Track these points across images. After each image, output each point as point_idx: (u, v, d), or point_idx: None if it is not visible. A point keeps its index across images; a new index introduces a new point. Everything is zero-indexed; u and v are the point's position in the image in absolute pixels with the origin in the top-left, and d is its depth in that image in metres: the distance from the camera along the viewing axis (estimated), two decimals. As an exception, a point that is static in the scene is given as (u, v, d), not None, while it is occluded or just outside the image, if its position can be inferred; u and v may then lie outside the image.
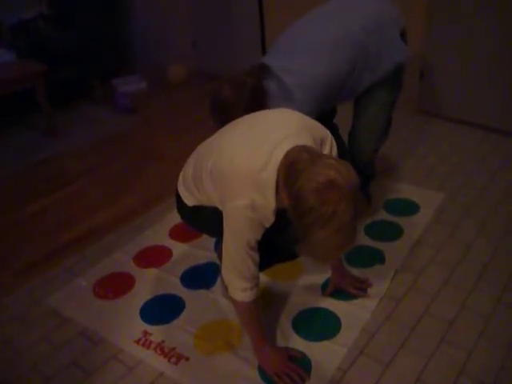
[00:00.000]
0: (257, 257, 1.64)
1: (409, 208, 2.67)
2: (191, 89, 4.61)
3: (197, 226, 2.09)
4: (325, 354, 1.85)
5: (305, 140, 1.58)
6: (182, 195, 1.93)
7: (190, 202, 1.90)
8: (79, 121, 4.18)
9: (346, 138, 2.52)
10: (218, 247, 2.19)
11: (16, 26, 4.29)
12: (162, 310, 2.13)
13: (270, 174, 1.53)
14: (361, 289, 2.11)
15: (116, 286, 2.29)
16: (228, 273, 1.66)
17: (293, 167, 1.46)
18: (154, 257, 2.45)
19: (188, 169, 1.90)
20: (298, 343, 1.90)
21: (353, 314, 2.01)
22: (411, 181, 2.91)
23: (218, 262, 2.28)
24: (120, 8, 5.09)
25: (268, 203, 1.56)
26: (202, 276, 2.28)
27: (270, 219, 1.60)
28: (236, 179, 1.57)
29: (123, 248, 2.54)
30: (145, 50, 5.31)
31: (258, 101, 2.02)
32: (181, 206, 1.97)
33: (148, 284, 2.28)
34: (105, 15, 4.78)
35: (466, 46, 3.35)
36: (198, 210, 1.88)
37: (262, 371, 1.79)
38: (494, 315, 1.96)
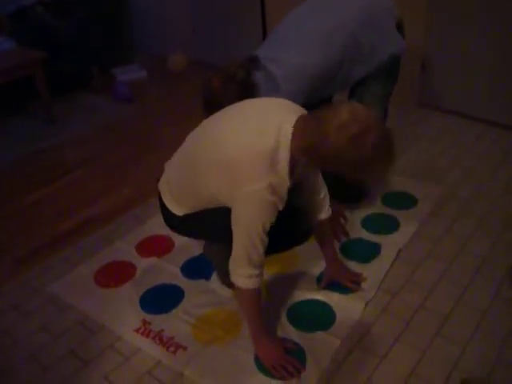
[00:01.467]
0: (266, 242, 1.65)
1: (406, 201, 2.67)
2: (191, 78, 4.59)
3: (192, 233, 2.05)
4: (319, 345, 1.86)
5: (296, 108, 1.68)
6: (169, 206, 1.89)
7: (179, 211, 1.86)
8: (78, 110, 4.17)
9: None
10: (208, 247, 2.19)
11: (15, 13, 4.26)
12: (161, 299, 2.15)
13: (283, 151, 1.56)
14: (355, 282, 2.12)
15: (117, 274, 2.30)
16: (236, 260, 1.66)
17: (311, 133, 1.53)
18: (155, 246, 2.46)
19: (171, 177, 1.88)
20: (293, 334, 1.92)
21: (348, 306, 2.03)
22: (410, 174, 2.91)
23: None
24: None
25: (283, 181, 1.59)
26: (203, 266, 2.28)
27: (284, 199, 1.61)
28: (248, 163, 1.56)
29: (124, 237, 2.55)
30: (144, 39, 5.28)
31: (246, 92, 2.02)
32: (169, 216, 1.93)
33: (149, 273, 2.30)
34: (105, 3, 4.74)
35: (468, 39, 3.33)
36: (190, 217, 1.85)
37: (258, 361, 1.80)
38: (489, 310, 1.98)
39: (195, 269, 2.29)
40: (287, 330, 1.94)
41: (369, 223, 2.52)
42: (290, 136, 1.57)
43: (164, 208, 1.93)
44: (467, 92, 3.48)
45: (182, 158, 1.86)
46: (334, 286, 2.11)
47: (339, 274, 2.12)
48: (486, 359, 1.77)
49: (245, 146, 1.59)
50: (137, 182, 3.05)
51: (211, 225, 1.85)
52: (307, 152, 1.57)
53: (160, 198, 1.94)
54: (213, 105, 1.97)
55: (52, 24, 4.29)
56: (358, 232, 2.46)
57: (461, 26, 3.33)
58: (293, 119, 1.60)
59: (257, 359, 1.81)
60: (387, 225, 2.50)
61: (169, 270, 2.30)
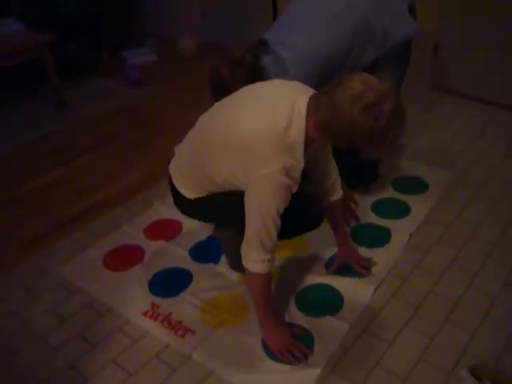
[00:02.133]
0: (279, 226, 1.64)
1: (417, 186, 2.65)
2: (201, 61, 4.56)
3: (203, 216, 2.05)
4: (327, 330, 1.86)
5: (307, 88, 1.67)
6: (180, 189, 1.88)
7: (191, 194, 1.86)
8: (88, 93, 4.16)
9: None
10: (218, 230, 2.19)
11: (25, -5, 4.25)
12: (170, 282, 2.15)
13: (297, 131, 1.56)
14: (365, 267, 2.11)
15: (126, 257, 2.31)
16: (249, 244, 1.65)
17: (325, 108, 1.52)
18: (164, 230, 2.46)
19: (183, 161, 1.87)
20: (301, 319, 1.91)
21: (356, 290, 2.02)
22: (421, 159, 2.88)
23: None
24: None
25: (298, 163, 1.58)
26: (211, 250, 2.28)
27: (298, 182, 1.61)
28: (263, 145, 1.56)
29: (133, 220, 2.55)
30: (155, 23, 5.25)
31: (255, 77, 1.99)
32: (179, 200, 1.93)
33: (157, 256, 2.30)
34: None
35: (481, 21, 3.27)
36: (202, 200, 1.85)
37: (265, 345, 1.80)
38: (499, 296, 1.96)
39: (203, 252, 2.29)
40: (295, 315, 1.94)
41: (379, 208, 2.50)
42: (303, 116, 1.57)
43: (175, 191, 1.92)
44: (479, 75, 3.43)
45: (193, 142, 1.85)
46: (343, 270, 2.10)
47: (350, 258, 2.11)
48: (495, 345, 1.76)
49: (258, 130, 1.58)
50: (146, 165, 3.05)
51: (223, 209, 1.84)
52: (322, 128, 1.55)
53: (171, 181, 1.94)
54: (222, 92, 1.95)
55: (62, 6, 4.27)
56: (368, 217, 2.45)
57: (474, 9, 3.26)
58: (305, 99, 1.59)
59: (264, 343, 1.81)
60: (398, 210, 2.48)
61: (177, 254, 2.30)
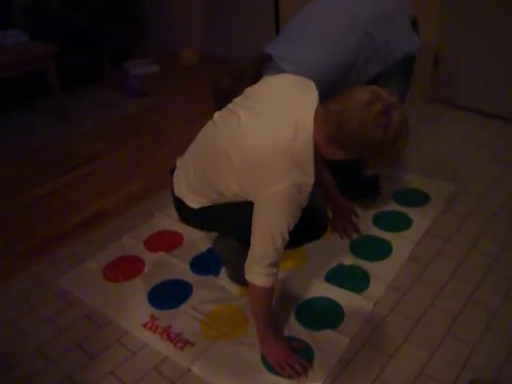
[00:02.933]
0: (287, 242, 1.63)
1: (418, 198, 2.64)
2: (203, 73, 4.58)
3: (206, 226, 2.04)
4: (327, 343, 1.85)
5: (313, 95, 1.64)
6: (185, 199, 1.86)
7: (196, 204, 1.84)
8: (90, 104, 4.18)
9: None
10: (219, 243, 2.18)
11: (28, 6, 4.27)
12: (170, 294, 2.14)
13: (305, 142, 1.54)
14: (349, 233, 2.12)
15: (126, 269, 2.30)
16: (255, 258, 1.64)
17: (335, 116, 1.51)
18: (164, 241, 2.46)
19: (189, 171, 1.84)
20: (301, 332, 1.90)
21: (357, 303, 2.01)
22: (422, 171, 2.88)
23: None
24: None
25: (308, 177, 1.56)
26: (211, 262, 2.28)
27: (308, 197, 1.59)
28: (271, 162, 1.53)
29: (133, 231, 2.54)
30: (157, 34, 5.28)
31: None
32: (183, 209, 1.91)
33: (158, 268, 2.29)
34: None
35: (481, 35, 3.29)
36: (206, 209, 1.83)
37: (265, 359, 1.79)
38: (500, 309, 1.95)
39: (204, 264, 2.28)
40: (295, 328, 1.93)
41: (381, 221, 2.50)
42: (310, 127, 1.55)
43: (178, 201, 1.91)
44: (480, 88, 3.44)
45: (199, 155, 1.82)
46: (343, 282, 2.10)
47: (344, 217, 2.11)
48: (496, 359, 1.75)
49: (264, 146, 1.54)
50: (147, 176, 3.05)
51: (228, 218, 1.84)
52: (331, 137, 1.54)
53: (173, 192, 1.93)
54: (225, 104, 1.96)
55: (65, 18, 4.30)
56: (370, 229, 2.44)
57: (474, 22, 3.28)
58: (310, 108, 1.58)
59: (264, 357, 1.80)
60: (399, 222, 2.48)
61: (177, 266, 2.30)
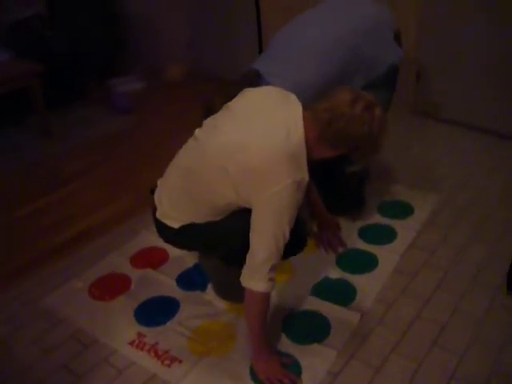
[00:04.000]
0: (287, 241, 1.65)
1: (403, 210, 2.67)
2: (188, 88, 4.60)
3: (188, 245, 2.03)
4: (314, 358, 1.85)
5: (296, 101, 1.71)
6: (164, 220, 1.87)
7: (178, 222, 1.84)
8: (75, 121, 4.15)
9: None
10: (204, 260, 2.18)
11: (13, 25, 4.27)
12: (157, 311, 2.13)
13: (298, 140, 1.60)
14: (334, 246, 2.14)
15: (112, 287, 2.29)
16: (258, 264, 1.63)
17: (324, 113, 1.60)
18: (150, 258, 2.45)
19: (172, 190, 1.85)
20: (288, 346, 1.90)
21: (343, 316, 2.01)
22: (406, 183, 2.91)
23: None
24: (116, 8, 5.08)
25: (305, 174, 1.60)
26: (198, 277, 2.27)
27: (302, 198, 1.63)
28: (269, 165, 1.56)
29: (120, 249, 2.53)
30: (141, 50, 5.29)
31: None
32: (163, 230, 1.91)
33: (144, 285, 2.28)
34: (102, 16, 4.76)
35: (462, 48, 3.34)
36: (187, 228, 1.83)
37: (253, 374, 1.79)
38: (486, 318, 1.97)
39: (190, 280, 2.28)
40: (283, 342, 1.92)
41: (366, 233, 2.51)
42: (301, 125, 1.62)
43: (158, 221, 1.91)
44: (462, 100, 3.48)
45: (185, 169, 1.81)
46: (329, 296, 2.10)
47: (328, 229, 2.15)
48: (483, 368, 1.76)
49: (262, 149, 1.58)
50: (133, 193, 3.04)
51: (210, 235, 1.84)
52: (321, 135, 1.61)
53: (154, 212, 1.93)
54: None
55: (49, 36, 4.29)
56: (355, 242, 2.45)
57: (453, 35, 3.34)
58: (297, 109, 1.66)
59: (252, 372, 1.79)
60: (384, 235, 2.49)
61: (164, 282, 2.29)
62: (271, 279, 1.65)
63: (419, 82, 3.64)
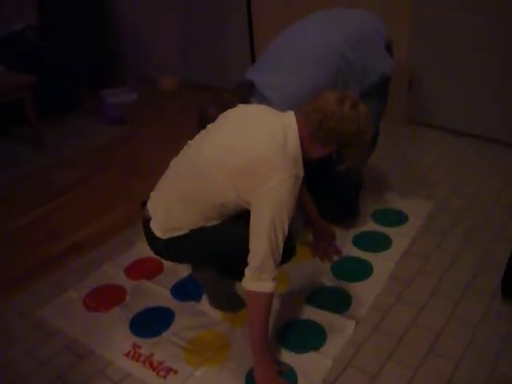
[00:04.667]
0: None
1: (397, 218, 2.67)
2: (181, 100, 4.61)
3: (179, 257, 2.04)
4: (310, 366, 1.84)
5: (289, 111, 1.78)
6: (155, 230, 1.89)
7: (165, 234, 1.86)
8: (68, 133, 4.16)
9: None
10: (196, 272, 2.18)
11: (4, 37, 4.28)
12: (152, 322, 2.12)
13: (294, 142, 1.69)
14: (329, 254, 2.19)
15: (107, 298, 2.28)
16: (261, 264, 1.63)
17: (315, 114, 1.68)
18: (145, 269, 2.44)
19: (168, 198, 1.87)
20: (284, 355, 1.89)
21: (339, 324, 2.01)
22: (400, 190, 2.92)
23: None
24: (109, 19, 5.10)
25: (301, 170, 1.69)
26: (193, 288, 2.26)
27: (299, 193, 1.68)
28: (269, 160, 1.63)
29: (114, 260, 2.52)
30: (135, 61, 5.31)
31: None
32: (154, 241, 1.94)
33: (139, 296, 2.27)
34: (94, 27, 4.78)
35: (452, 55, 3.38)
36: (176, 239, 1.86)
37: (248, 383, 1.78)
38: (481, 325, 1.97)
39: (185, 290, 2.27)
40: (278, 351, 1.92)
41: (360, 241, 2.52)
42: (295, 128, 1.70)
43: (149, 233, 1.93)
44: (455, 108, 3.52)
45: (182, 177, 1.84)
46: (325, 304, 2.10)
47: (323, 238, 2.20)
48: (480, 374, 1.75)
49: (262, 147, 1.65)
50: (126, 204, 3.03)
51: (199, 245, 1.86)
52: (314, 135, 1.69)
53: (144, 224, 1.94)
54: None
55: (41, 47, 4.30)
56: (350, 250, 2.45)
57: (446, 43, 3.37)
58: (290, 114, 1.74)
59: (248, 381, 1.78)
60: (379, 242, 2.50)
61: (159, 293, 2.28)
62: (275, 279, 1.67)
63: (411, 91, 3.66)
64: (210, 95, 2.17)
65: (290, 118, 1.73)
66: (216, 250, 1.86)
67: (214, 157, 1.73)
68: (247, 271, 1.67)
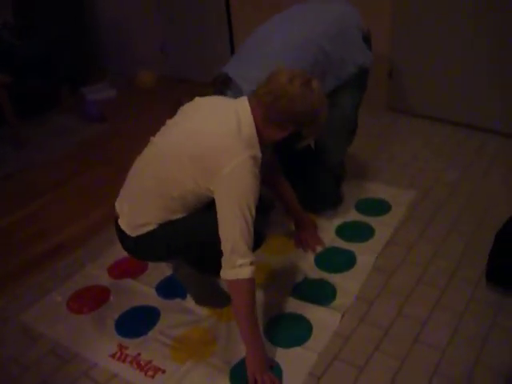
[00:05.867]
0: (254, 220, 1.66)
1: (380, 207, 2.67)
2: (160, 95, 4.57)
3: (149, 254, 2.03)
4: (295, 361, 1.83)
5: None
6: (124, 227, 1.91)
7: (138, 229, 1.87)
8: (48, 131, 4.10)
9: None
10: (176, 269, 2.17)
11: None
12: (137, 321, 2.10)
13: (248, 125, 1.71)
14: (312, 245, 2.33)
15: (91, 299, 2.25)
16: (234, 250, 1.62)
17: (267, 96, 1.71)
18: (129, 267, 2.41)
19: (133, 194, 1.91)
20: (269, 350, 1.88)
21: (324, 317, 2.00)
22: (382, 179, 2.92)
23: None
24: (87, 15, 5.03)
25: (258, 151, 1.70)
26: (178, 285, 2.23)
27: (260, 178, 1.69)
28: (225, 144, 1.65)
29: (97, 260, 2.49)
30: (114, 57, 5.25)
31: None
32: (124, 240, 1.94)
33: (123, 296, 2.25)
34: (71, 23, 4.72)
35: (432, 44, 3.38)
36: (145, 236, 1.86)
37: (233, 379, 1.78)
38: (467, 312, 1.97)
39: (170, 288, 2.25)
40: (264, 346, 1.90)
41: (343, 231, 2.51)
42: (248, 111, 1.73)
43: (120, 231, 1.94)
44: (435, 95, 3.52)
45: (141, 171, 1.89)
46: (309, 296, 2.10)
47: (306, 232, 2.34)
48: (466, 362, 1.76)
49: (217, 134, 1.68)
50: (109, 203, 2.98)
51: (167, 242, 1.87)
52: (267, 117, 1.72)
53: (115, 223, 1.96)
54: None
55: (17, 46, 4.23)
56: (333, 241, 2.45)
57: (425, 32, 3.37)
58: (244, 99, 1.77)
59: (232, 377, 1.78)
60: (362, 232, 2.49)
61: (143, 291, 2.26)
62: (252, 263, 1.65)
63: (392, 79, 3.66)
64: (186, 89, 2.17)
65: (243, 103, 1.75)
66: (186, 242, 1.87)
67: (170, 150, 1.76)
68: (222, 261, 1.66)
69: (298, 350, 1.88)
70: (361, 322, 1.98)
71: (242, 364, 1.78)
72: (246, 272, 1.64)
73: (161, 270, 2.36)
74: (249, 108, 1.73)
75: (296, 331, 1.96)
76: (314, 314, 2.02)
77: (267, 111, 1.71)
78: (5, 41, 4.26)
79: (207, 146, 1.67)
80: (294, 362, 1.83)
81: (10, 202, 3.14)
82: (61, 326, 2.12)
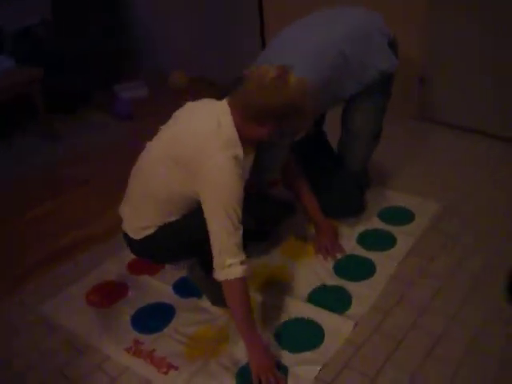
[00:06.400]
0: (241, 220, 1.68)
1: (403, 217, 2.64)
2: (193, 95, 4.60)
3: (155, 256, 2.10)
4: (303, 366, 1.82)
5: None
6: (129, 232, 1.99)
7: (138, 234, 1.94)
8: (80, 127, 4.19)
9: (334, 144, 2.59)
10: (190, 272, 2.20)
11: (17, 33, 4.31)
12: (153, 318, 2.13)
13: (228, 125, 1.73)
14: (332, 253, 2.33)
15: (109, 293, 2.29)
16: (223, 250, 1.65)
17: (241, 97, 1.74)
18: (147, 265, 2.43)
19: (132, 198, 2.00)
20: (278, 353, 1.88)
21: (337, 324, 1.99)
22: (408, 189, 2.87)
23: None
24: (122, 14, 5.11)
25: (240, 151, 1.71)
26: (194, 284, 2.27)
27: (244, 178, 1.71)
28: (205, 144, 1.68)
29: (118, 255, 2.53)
30: (147, 56, 5.32)
31: None
32: (130, 243, 2.03)
33: (141, 292, 2.28)
34: (107, 22, 4.80)
35: (467, 52, 3.31)
36: (149, 238, 1.92)
37: (240, 379, 1.79)
38: (484, 329, 1.93)
39: (187, 287, 2.27)
40: (274, 349, 1.90)
41: (365, 239, 2.49)
42: (228, 111, 1.75)
43: (125, 235, 2.02)
44: (467, 105, 3.44)
45: (136, 175, 2.01)
46: (325, 303, 2.09)
47: (326, 238, 2.34)
48: (481, 380, 1.73)
49: (198, 134, 1.72)
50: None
51: (167, 244, 1.93)
52: (245, 115, 1.74)
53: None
54: None
55: (54, 43, 4.33)
56: (354, 249, 2.43)
57: (461, 39, 3.30)
58: (224, 102, 1.80)
59: (239, 377, 1.79)
60: (383, 241, 2.47)
61: (161, 289, 2.29)
62: (243, 262, 1.66)
63: (424, 87, 3.60)
64: (201, 87, 2.22)
65: (223, 105, 1.78)
66: (186, 242, 1.92)
67: (157, 153, 1.84)
68: (214, 263, 1.68)
69: (307, 354, 1.87)
70: (374, 332, 1.96)
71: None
72: (236, 271, 1.65)
73: (178, 269, 2.37)
74: (228, 109, 1.76)
75: (308, 336, 1.96)
76: (327, 320, 2.01)
77: (244, 109, 1.73)
78: (41, 37, 4.36)
79: (187, 146, 1.72)
80: (302, 367, 1.82)
81: (38, 195, 3.20)
82: (79, 318, 2.16)
